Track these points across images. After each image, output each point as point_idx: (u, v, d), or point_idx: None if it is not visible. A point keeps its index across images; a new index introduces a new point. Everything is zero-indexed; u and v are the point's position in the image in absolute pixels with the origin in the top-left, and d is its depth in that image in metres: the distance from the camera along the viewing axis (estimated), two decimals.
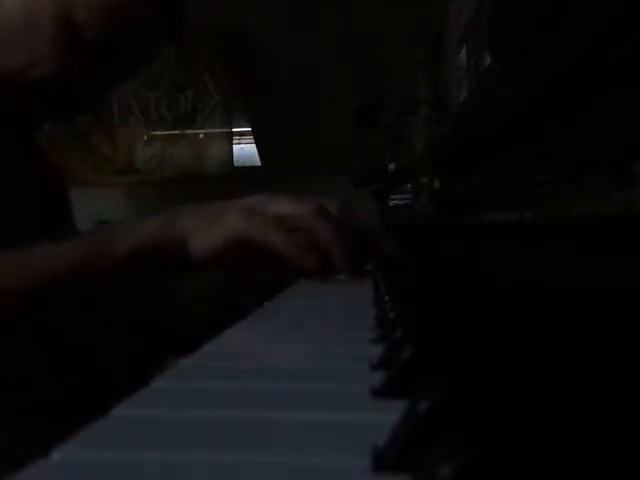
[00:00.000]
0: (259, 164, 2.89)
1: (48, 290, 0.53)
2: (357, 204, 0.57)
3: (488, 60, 1.15)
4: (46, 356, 0.61)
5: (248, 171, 2.86)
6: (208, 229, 0.55)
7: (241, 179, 2.73)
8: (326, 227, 0.55)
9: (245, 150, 2.93)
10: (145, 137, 2.86)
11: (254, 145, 2.91)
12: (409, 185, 1.78)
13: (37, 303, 0.54)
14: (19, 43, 0.65)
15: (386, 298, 0.46)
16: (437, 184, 1.42)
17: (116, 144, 2.85)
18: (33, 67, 0.65)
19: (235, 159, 2.90)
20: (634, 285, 0.34)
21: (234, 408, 0.23)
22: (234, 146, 2.89)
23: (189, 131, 2.86)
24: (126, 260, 0.55)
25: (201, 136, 2.87)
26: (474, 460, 0.14)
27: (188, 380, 0.27)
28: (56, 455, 0.18)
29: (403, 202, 1.98)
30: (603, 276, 0.39)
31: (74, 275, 0.54)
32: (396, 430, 0.18)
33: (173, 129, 2.85)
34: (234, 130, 2.87)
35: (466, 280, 0.58)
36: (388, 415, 0.19)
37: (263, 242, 0.53)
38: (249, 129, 2.91)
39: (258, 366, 0.30)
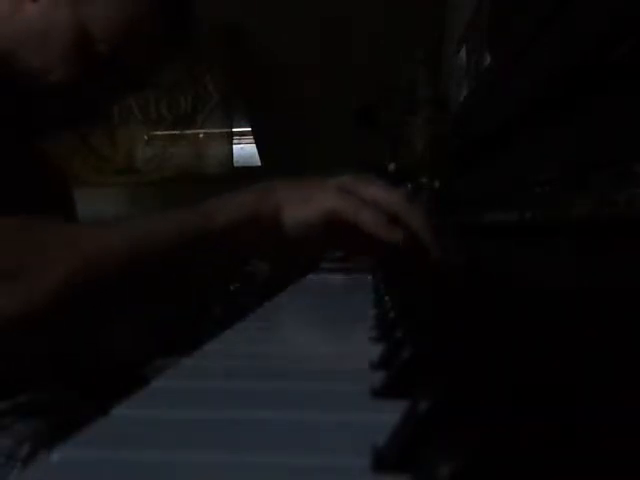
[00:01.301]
0: (259, 164, 2.89)
1: (145, 266, 0.50)
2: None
3: (488, 60, 1.15)
4: (46, 356, 0.60)
5: (248, 171, 2.86)
6: (302, 205, 0.55)
7: (241, 179, 2.72)
8: (416, 213, 0.56)
9: (245, 150, 2.93)
10: (145, 137, 2.86)
11: (254, 145, 2.91)
12: (409, 185, 1.78)
13: (131, 279, 0.50)
14: (34, 50, 0.65)
15: (386, 298, 0.46)
16: (437, 184, 1.42)
17: (116, 144, 2.85)
18: (45, 74, 0.66)
19: (235, 159, 2.90)
20: (634, 285, 0.34)
21: (234, 408, 0.23)
22: (234, 146, 2.89)
23: (189, 131, 2.86)
24: (226, 234, 0.53)
25: (201, 136, 2.87)
26: (474, 460, 0.14)
27: (188, 380, 0.27)
28: (56, 455, 0.18)
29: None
30: (603, 276, 0.39)
31: (175, 250, 0.51)
32: (396, 430, 0.18)
33: (173, 129, 2.85)
34: (234, 130, 2.87)
35: (466, 280, 0.58)
36: (388, 415, 0.19)
37: (356, 220, 0.53)
38: (249, 129, 2.91)
39: (258, 366, 0.30)
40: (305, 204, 0.55)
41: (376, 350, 0.29)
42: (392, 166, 2.01)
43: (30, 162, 0.74)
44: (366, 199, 0.54)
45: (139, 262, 0.50)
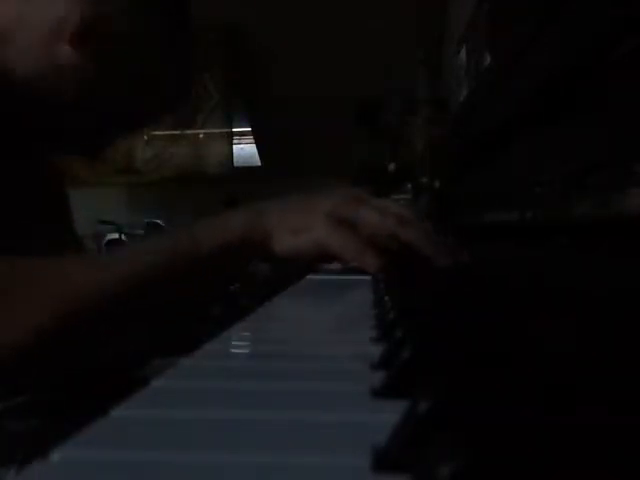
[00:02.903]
0: (259, 164, 2.89)
1: (132, 298, 0.50)
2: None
3: (488, 60, 1.15)
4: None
5: (248, 171, 2.86)
6: (295, 233, 0.55)
7: (241, 179, 2.73)
8: (413, 229, 0.56)
9: (245, 150, 2.94)
10: (145, 137, 2.86)
11: (254, 145, 2.91)
12: (409, 185, 1.78)
13: (118, 314, 0.51)
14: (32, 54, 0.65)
15: (386, 298, 0.46)
16: (437, 184, 1.42)
17: (116, 144, 2.85)
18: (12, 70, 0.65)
19: (235, 159, 2.90)
20: (634, 285, 0.34)
21: (234, 408, 0.23)
22: (234, 146, 2.89)
23: (189, 131, 2.86)
24: (214, 259, 0.53)
25: (201, 136, 2.87)
26: (474, 460, 0.14)
27: (188, 380, 0.27)
28: (56, 455, 0.18)
29: (403, 202, 1.98)
30: (603, 276, 0.39)
31: (162, 280, 0.51)
32: (396, 430, 0.18)
33: (173, 129, 2.86)
34: (234, 130, 2.88)
35: (466, 280, 0.58)
36: (388, 415, 0.19)
37: (352, 261, 0.55)
38: (249, 129, 2.91)
39: (258, 366, 0.30)
40: (296, 234, 0.55)
41: (376, 350, 0.29)
42: (392, 166, 2.01)
43: (29, 161, 0.74)
44: (360, 223, 0.55)
45: (130, 293, 0.50)
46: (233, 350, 0.35)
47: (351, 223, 0.55)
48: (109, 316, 0.50)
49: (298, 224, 0.55)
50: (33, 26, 0.62)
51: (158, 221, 3.53)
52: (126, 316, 0.52)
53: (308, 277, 0.75)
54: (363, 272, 0.58)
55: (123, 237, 3.19)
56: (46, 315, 0.46)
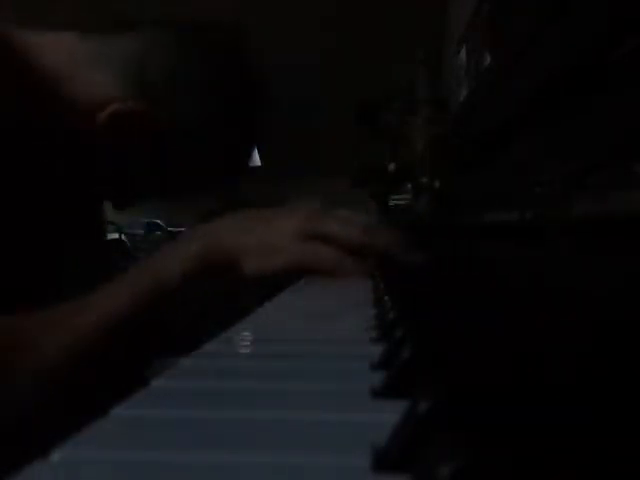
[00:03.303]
0: (259, 164, 2.89)
1: (101, 347, 0.52)
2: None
3: (488, 60, 1.15)
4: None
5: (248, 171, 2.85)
6: (265, 255, 0.55)
7: (241, 179, 2.72)
8: (378, 235, 0.58)
9: None
10: None
11: None
12: (409, 185, 1.78)
13: (89, 364, 0.52)
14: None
15: (386, 298, 0.46)
16: (437, 184, 1.42)
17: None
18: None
19: None
20: (634, 285, 0.34)
21: (234, 408, 0.23)
22: None
23: None
24: (176, 289, 0.54)
25: None
26: (474, 460, 0.14)
27: (188, 380, 0.27)
28: (56, 455, 0.18)
29: (403, 202, 1.98)
30: (603, 276, 0.39)
31: (127, 322, 0.52)
32: (396, 430, 0.18)
33: None
34: None
35: (466, 280, 0.58)
36: (388, 415, 0.19)
37: (332, 272, 0.56)
38: None
39: (258, 366, 0.30)
40: (265, 256, 0.55)
41: (376, 350, 0.29)
42: (392, 166, 2.01)
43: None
44: (329, 236, 0.56)
45: (107, 337, 0.51)
46: (233, 350, 0.35)
47: (321, 237, 0.55)
48: (89, 362, 0.52)
49: (266, 245, 0.55)
50: (79, 89, 0.62)
51: (158, 221, 3.52)
52: (104, 355, 0.53)
53: (307, 277, 0.75)
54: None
55: (123, 237, 3.19)
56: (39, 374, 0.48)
